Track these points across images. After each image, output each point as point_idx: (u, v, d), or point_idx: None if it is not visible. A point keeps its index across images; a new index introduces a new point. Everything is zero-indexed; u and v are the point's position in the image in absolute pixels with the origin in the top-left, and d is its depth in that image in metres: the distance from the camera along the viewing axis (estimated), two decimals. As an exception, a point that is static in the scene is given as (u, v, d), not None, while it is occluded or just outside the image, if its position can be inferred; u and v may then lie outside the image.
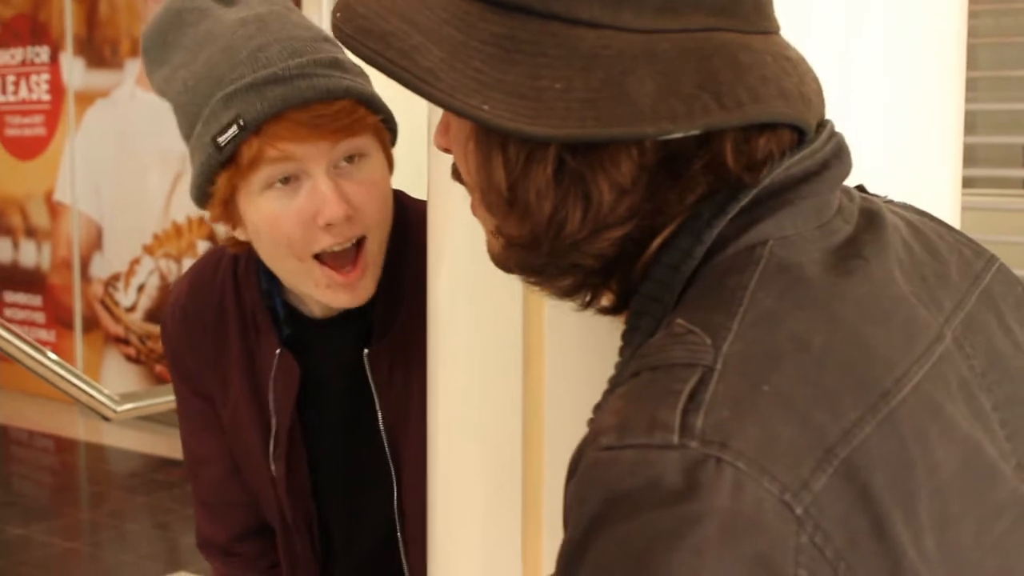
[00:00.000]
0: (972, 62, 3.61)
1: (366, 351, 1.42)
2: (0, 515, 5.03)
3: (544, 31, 0.77)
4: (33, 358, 2.30)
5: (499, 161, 0.81)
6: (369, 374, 1.42)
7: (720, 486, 0.67)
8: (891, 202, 0.93)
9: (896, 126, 1.04)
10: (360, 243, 1.34)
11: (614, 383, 0.79)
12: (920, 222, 0.90)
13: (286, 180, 1.30)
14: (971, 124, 3.61)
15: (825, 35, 1.00)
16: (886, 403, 0.73)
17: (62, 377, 2.32)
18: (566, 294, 0.85)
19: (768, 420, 0.70)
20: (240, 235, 1.38)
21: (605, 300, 0.86)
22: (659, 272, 0.80)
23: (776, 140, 0.80)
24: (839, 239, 0.81)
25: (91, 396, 2.32)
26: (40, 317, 7.06)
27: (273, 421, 1.45)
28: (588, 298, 0.86)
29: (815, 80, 0.84)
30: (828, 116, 0.85)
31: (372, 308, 1.41)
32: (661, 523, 0.67)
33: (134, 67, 6.44)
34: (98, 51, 6.63)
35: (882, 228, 0.83)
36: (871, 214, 0.85)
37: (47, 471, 6.18)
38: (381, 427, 1.43)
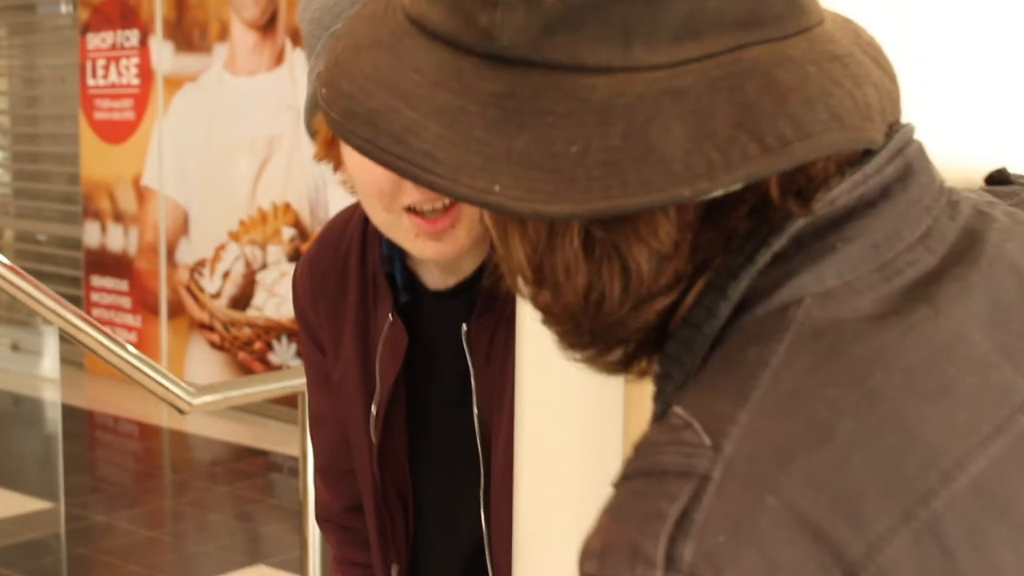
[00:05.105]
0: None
1: (464, 327, 1.34)
2: (85, 501, 5.03)
3: (547, 84, 0.66)
4: (106, 347, 2.23)
5: (517, 239, 0.72)
6: (467, 352, 1.34)
7: None
8: None
9: None
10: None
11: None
12: None
13: None
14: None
15: None
16: (926, 506, 0.61)
17: (135, 367, 2.24)
18: (617, 371, 0.75)
19: (771, 543, 0.59)
20: (343, 177, 1.33)
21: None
22: (682, 332, 0.70)
23: (833, 158, 0.68)
24: (908, 279, 0.68)
25: (166, 388, 2.24)
26: (126, 302, 7.09)
27: (377, 388, 1.40)
28: (644, 367, 0.75)
29: (879, 70, 0.70)
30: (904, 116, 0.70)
31: (479, 282, 1.34)
32: None
33: (222, 51, 6.42)
34: (187, 35, 6.62)
35: (976, 259, 0.69)
36: (974, 237, 0.71)
37: (131, 457, 6.20)
38: (475, 412, 1.35)
